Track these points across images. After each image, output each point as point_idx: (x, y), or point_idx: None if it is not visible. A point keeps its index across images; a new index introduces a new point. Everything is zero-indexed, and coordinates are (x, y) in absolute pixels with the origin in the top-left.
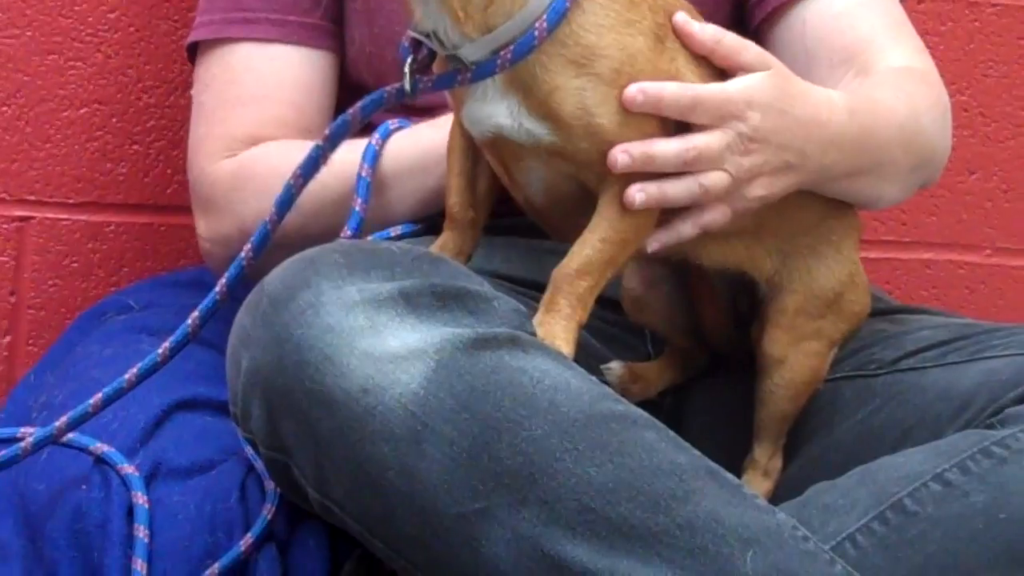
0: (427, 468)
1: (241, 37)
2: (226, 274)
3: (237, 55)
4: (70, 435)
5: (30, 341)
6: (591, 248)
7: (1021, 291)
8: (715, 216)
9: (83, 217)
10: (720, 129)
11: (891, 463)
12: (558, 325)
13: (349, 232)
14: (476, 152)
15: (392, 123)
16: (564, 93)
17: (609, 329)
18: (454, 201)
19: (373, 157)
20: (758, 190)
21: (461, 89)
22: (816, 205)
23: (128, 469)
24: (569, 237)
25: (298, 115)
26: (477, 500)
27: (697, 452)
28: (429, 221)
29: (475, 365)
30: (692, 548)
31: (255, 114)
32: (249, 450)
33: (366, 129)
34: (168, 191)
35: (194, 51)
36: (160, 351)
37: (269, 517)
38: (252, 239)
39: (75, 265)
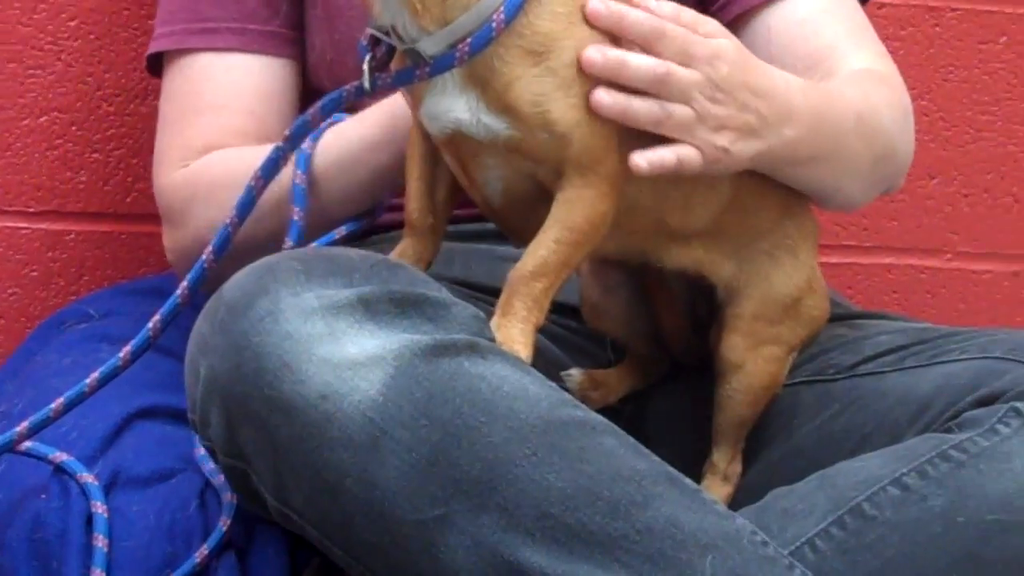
0: (386, 475)
1: (201, 47)
2: (187, 276)
3: (197, 65)
4: (28, 444)
5: None
6: (546, 249)
7: (982, 295)
8: (689, 153)
9: (43, 226)
10: (691, 68)
11: (850, 468)
12: (515, 328)
13: (291, 243)
14: (435, 157)
15: (323, 124)
16: (522, 83)
17: (570, 336)
18: (413, 207)
19: (305, 163)
20: (723, 140)
21: (419, 86)
22: (774, 206)
23: (87, 478)
24: (527, 239)
25: (258, 124)
26: (436, 507)
27: (657, 458)
28: (371, 216)
29: (434, 372)
30: (651, 553)
31: (213, 124)
32: (206, 465)
33: None
34: (128, 199)
35: (154, 61)
36: (122, 355)
37: (224, 529)
38: (213, 242)
39: (35, 274)
